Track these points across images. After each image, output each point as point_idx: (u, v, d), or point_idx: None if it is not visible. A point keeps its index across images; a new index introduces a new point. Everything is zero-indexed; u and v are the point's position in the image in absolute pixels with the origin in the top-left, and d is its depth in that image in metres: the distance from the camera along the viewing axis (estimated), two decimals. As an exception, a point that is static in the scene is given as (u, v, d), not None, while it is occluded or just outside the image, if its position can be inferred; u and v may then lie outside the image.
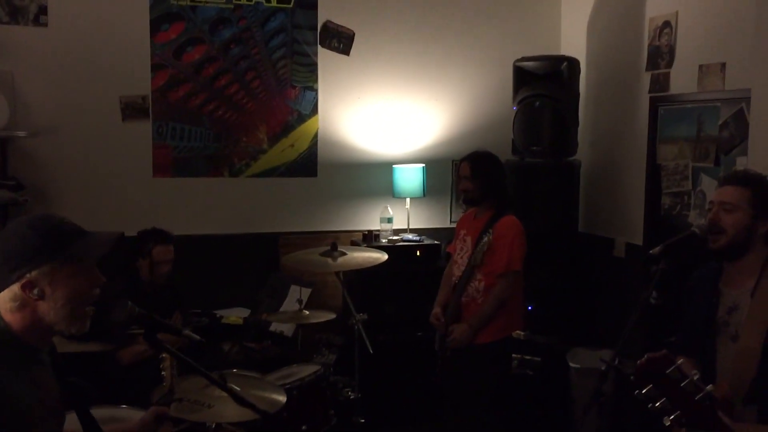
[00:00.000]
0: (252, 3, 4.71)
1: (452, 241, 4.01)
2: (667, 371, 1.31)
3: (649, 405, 1.34)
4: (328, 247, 3.54)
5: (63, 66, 4.40)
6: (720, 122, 3.90)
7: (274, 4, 4.75)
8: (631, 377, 1.25)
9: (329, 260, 3.50)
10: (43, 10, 4.33)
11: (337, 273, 3.52)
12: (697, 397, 1.31)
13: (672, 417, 1.33)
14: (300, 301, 3.68)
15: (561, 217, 4.74)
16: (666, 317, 2.69)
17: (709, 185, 3.94)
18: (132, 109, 4.56)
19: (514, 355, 4.26)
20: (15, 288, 1.60)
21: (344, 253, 3.53)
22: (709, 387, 1.30)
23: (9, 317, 1.62)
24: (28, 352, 1.66)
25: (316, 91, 4.88)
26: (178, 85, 4.63)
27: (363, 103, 4.98)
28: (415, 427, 4.52)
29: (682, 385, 1.31)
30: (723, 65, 3.84)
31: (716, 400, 1.35)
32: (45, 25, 4.35)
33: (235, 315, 4.44)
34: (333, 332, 3.88)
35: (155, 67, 4.58)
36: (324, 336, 3.70)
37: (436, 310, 3.83)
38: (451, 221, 5.19)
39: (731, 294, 2.40)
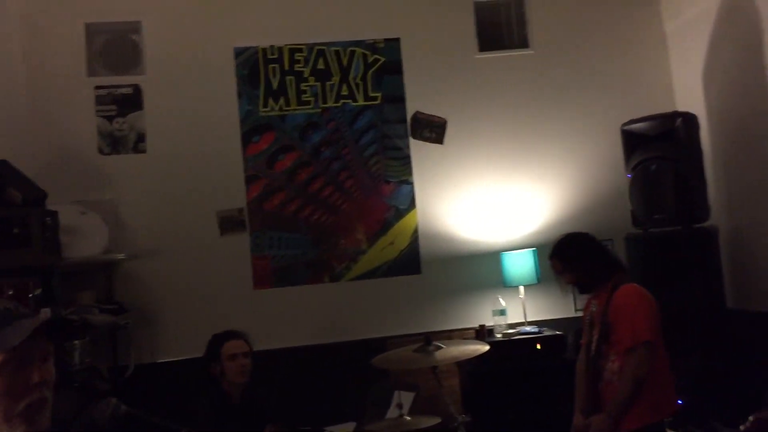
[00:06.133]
0: (339, 105, 4.68)
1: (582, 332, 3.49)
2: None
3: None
4: (422, 343, 3.18)
5: (162, 188, 4.51)
6: None
7: (361, 102, 4.69)
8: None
9: (423, 356, 3.13)
10: (141, 137, 4.51)
11: (433, 369, 3.13)
12: None
13: None
14: (400, 406, 3.29)
15: (703, 293, 4.10)
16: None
17: None
18: (229, 223, 4.55)
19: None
20: None
21: (439, 347, 3.15)
22: None
23: None
24: None
25: (411, 184, 4.69)
26: (273, 194, 4.60)
27: (463, 190, 4.71)
28: None
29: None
30: None
31: None
32: (144, 151, 4.51)
33: (344, 430, 4.11)
34: (439, 440, 3.42)
35: (249, 179, 4.59)
36: (428, 445, 3.25)
37: (578, 418, 3.24)
38: (576, 309, 4.66)
39: None
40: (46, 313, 3.20)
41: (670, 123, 4.15)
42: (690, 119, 4.18)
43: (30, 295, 3.35)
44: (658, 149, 4.16)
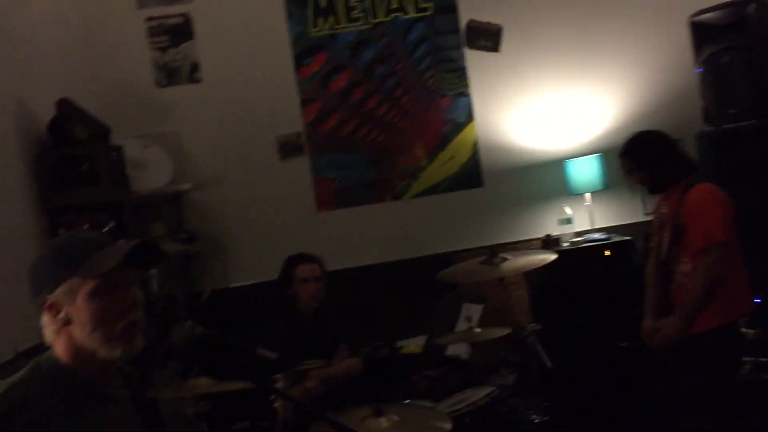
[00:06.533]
0: (390, 18, 4.55)
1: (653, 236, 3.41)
2: None
3: None
4: (487, 255, 3.17)
5: (220, 116, 4.53)
6: None
7: (412, 14, 4.55)
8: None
9: (489, 268, 3.12)
10: (195, 67, 4.51)
11: (500, 281, 3.13)
12: None
13: None
14: (469, 319, 3.33)
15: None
16: None
17: None
18: (288, 147, 4.56)
19: (745, 359, 3.55)
20: (45, 314, 1.47)
21: (505, 259, 3.13)
22: None
23: (58, 350, 1.48)
24: (93, 390, 1.50)
25: (468, 96, 4.57)
26: (328, 116, 4.56)
27: (522, 98, 4.57)
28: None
29: None
30: None
31: None
32: (199, 81, 4.51)
33: (415, 344, 4.20)
34: (510, 349, 3.46)
35: (304, 102, 4.55)
36: (500, 355, 3.30)
37: (647, 322, 3.19)
38: (645, 213, 4.54)
39: None
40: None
41: (742, 10, 3.90)
42: (764, 5, 3.90)
43: (104, 230, 3.46)
44: (730, 39, 3.93)
